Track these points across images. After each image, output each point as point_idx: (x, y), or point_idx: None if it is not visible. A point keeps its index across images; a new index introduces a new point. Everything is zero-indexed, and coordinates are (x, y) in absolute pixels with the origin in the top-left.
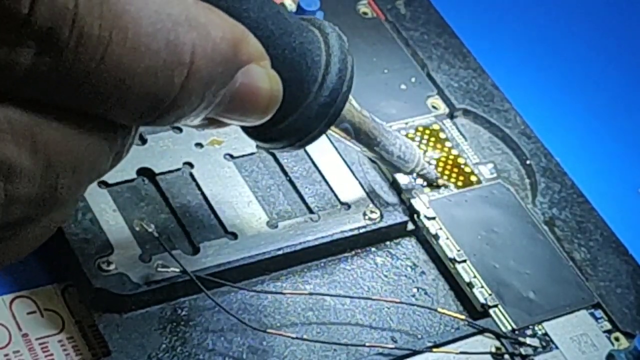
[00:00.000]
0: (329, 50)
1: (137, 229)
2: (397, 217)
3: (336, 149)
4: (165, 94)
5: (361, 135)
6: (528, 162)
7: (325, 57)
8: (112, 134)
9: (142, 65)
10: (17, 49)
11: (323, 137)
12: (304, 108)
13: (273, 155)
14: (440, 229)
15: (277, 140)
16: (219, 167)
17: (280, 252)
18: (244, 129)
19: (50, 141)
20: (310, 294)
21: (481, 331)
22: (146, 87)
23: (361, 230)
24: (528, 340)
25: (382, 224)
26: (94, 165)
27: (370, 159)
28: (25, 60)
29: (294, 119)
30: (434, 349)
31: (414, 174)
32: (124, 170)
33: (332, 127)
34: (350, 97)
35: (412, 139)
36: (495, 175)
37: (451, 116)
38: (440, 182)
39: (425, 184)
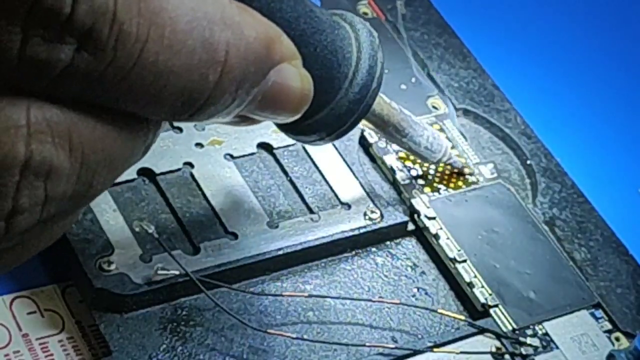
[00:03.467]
0: (359, 47)
1: (137, 229)
2: (397, 217)
3: (336, 149)
4: (199, 92)
5: (390, 127)
6: (528, 162)
7: (356, 54)
8: (144, 129)
9: (178, 63)
10: (57, 46)
11: None
12: (335, 104)
13: (273, 155)
14: (441, 229)
15: (308, 134)
16: (219, 167)
17: (280, 252)
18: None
19: (86, 140)
20: (310, 295)
21: (481, 331)
22: (181, 85)
23: (361, 230)
24: (528, 340)
25: (382, 224)
26: (126, 160)
27: (372, 158)
28: (65, 57)
29: (324, 114)
30: (435, 349)
31: (441, 164)
32: None
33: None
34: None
35: None
36: (495, 175)
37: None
38: (467, 170)
39: (447, 174)
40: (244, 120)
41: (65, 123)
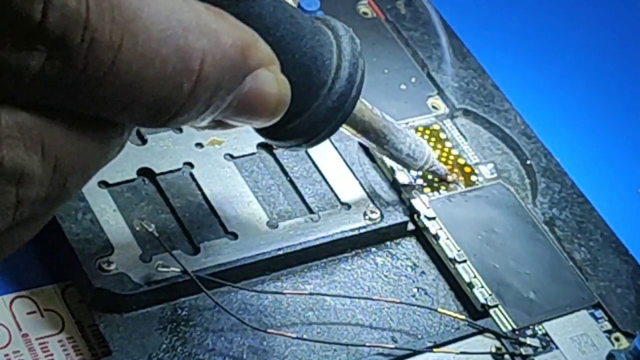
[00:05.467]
0: (340, 54)
1: (137, 229)
2: (397, 217)
3: (336, 149)
4: (173, 100)
5: (371, 134)
6: (528, 162)
7: (336, 61)
8: (118, 133)
9: (152, 72)
10: (28, 53)
11: None
12: (312, 111)
13: (273, 155)
14: (441, 229)
15: (285, 140)
16: (219, 167)
17: (280, 252)
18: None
19: (59, 145)
20: (310, 294)
21: (481, 331)
22: (155, 94)
23: (361, 230)
24: (528, 341)
25: (382, 224)
26: (100, 163)
27: (372, 158)
28: (36, 64)
29: (302, 121)
30: (434, 349)
31: (423, 171)
32: (124, 170)
33: (342, 125)
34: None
35: None
36: (495, 175)
37: (451, 116)
38: (450, 178)
39: (436, 180)
40: (219, 125)
41: (37, 128)
